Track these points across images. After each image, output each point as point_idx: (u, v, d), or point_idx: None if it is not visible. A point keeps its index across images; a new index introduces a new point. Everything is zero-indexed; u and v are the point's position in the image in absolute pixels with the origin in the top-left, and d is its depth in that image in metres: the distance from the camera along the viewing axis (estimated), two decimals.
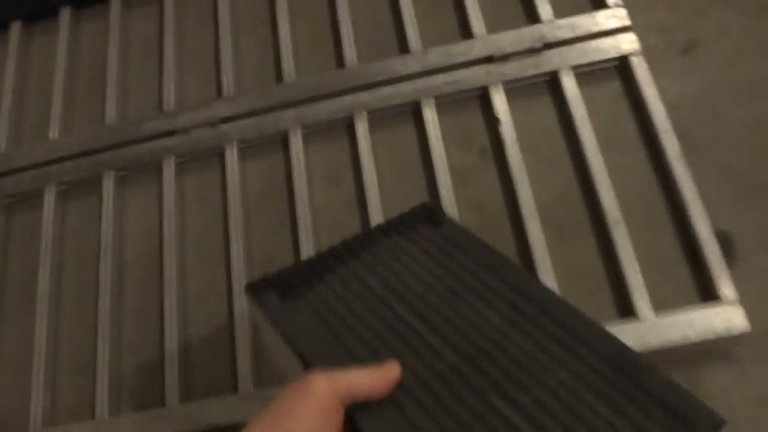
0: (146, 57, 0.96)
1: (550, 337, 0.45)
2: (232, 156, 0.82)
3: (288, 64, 0.87)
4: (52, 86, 0.94)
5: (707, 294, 0.67)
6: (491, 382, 0.43)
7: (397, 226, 0.59)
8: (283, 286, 0.51)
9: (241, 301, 0.74)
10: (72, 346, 0.79)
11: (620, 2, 0.79)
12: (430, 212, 0.60)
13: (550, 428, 0.39)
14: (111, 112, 0.90)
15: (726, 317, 0.63)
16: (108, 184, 0.84)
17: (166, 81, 0.90)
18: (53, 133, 0.90)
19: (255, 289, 0.51)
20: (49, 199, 0.85)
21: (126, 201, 0.86)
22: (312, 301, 0.50)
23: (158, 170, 0.85)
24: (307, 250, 0.75)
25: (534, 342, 0.45)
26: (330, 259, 0.54)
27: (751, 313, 0.63)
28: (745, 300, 0.64)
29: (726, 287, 0.65)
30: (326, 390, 0.37)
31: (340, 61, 0.87)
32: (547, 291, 0.49)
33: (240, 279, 0.75)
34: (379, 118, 0.82)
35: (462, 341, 0.46)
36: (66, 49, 0.97)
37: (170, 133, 0.86)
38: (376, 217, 0.75)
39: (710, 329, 0.63)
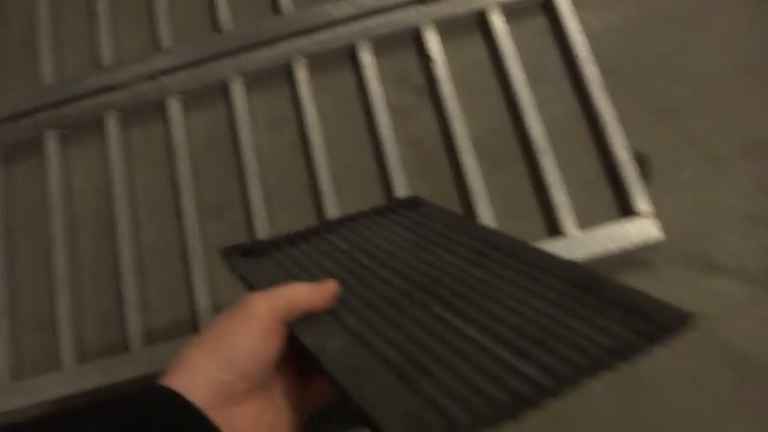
0: (78, 12, 0.95)
1: (508, 268, 0.45)
2: (174, 108, 0.83)
3: (224, 13, 0.87)
4: None
5: (626, 210, 0.73)
6: (438, 298, 0.42)
7: (378, 210, 0.60)
8: (255, 249, 0.53)
9: (196, 248, 0.77)
10: (31, 304, 0.81)
11: None
12: (413, 200, 0.61)
13: (496, 328, 0.38)
14: (47, 70, 0.89)
15: (642, 229, 0.70)
16: (50, 144, 0.85)
17: (101, 36, 0.90)
18: None
19: (227, 251, 0.52)
20: None
21: (71, 159, 0.87)
22: (278, 258, 0.52)
23: (101, 127, 0.85)
24: (256, 195, 0.78)
25: (490, 272, 0.45)
26: (306, 233, 0.55)
27: (665, 225, 0.70)
28: (660, 213, 0.71)
29: (642, 202, 0.71)
30: (265, 310, 0.37)
31: (275, 7, 0.88)
32: (515, 240, 0.49)
33: (193, 228, 0.78)
34: (317, 62, 0.84)
35: (416, 274, 0.46)
36: None
37: (110, 88, 0.86)
38: (321, 159, 0.78)
39: (628, 240, 0.69)
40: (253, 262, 0.51)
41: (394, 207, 0.60)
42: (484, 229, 0.52)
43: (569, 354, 0.35)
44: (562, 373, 0.34)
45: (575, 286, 0.40)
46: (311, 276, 0.48)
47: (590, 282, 0.40)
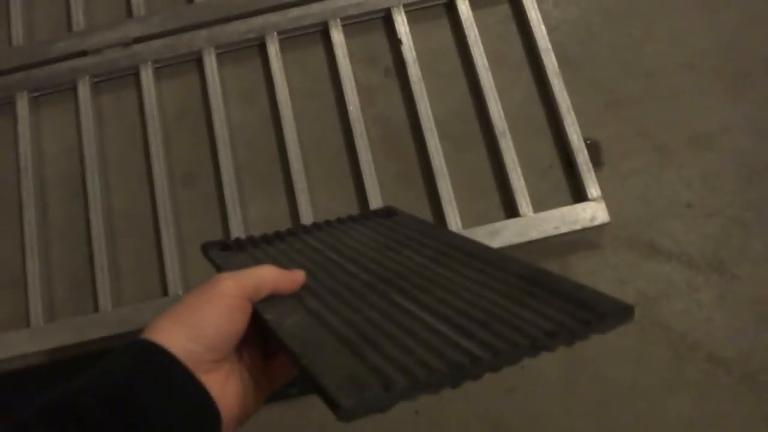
0: None
1: (467, 266, 0.48)
2: (147, 76, 0.85)
3: None
4: None
5: (578, 194, 0.78)
6: (397, 289, 0.45)
7: (354, 217, 0.63)
8: (232, 245, 0.55)
9: (166, 215, 0.79)
10: (1, 263, 0.83)
11: None
12: (388, 210, 0.65)
13: (445, 312, 0.41)
14: (17, 32, 0.90)
15: (591, 212, 0.75)
16: (22, 105, 0.85)
17: (73, 0, 0.90)
18: None
19: (206, 245, 0.55)
20: None
21: (42, 121, 0.88)
22: (254, 253, 0.54)
23: (73, 90, 0.86)
24: (226, 165, 0.80)
25: (450, 269, 0.48)
26: (283, 234, 0.58)
27: (613, 210, 0.75)
28: (609, 199, 0.76)
29: (593, 187, 0.76)
30: (232, 288, 0.39)
31: None
32: (478, 243, 0.52)
33: (163, 194, 0.80)
34: (289, 38, 0.87)
35: (380, 269, 0.49)
36: None
37: (83, 53, 0.87)
38: (290, 132, 0.81)
39: (577, 221, 0.74)
40: (230, 255, 0.54)
41: (369, 215, 0.64)
42: (451, 234, 0.56)
43: (510, 334, 0.37)
44: (499, 349, 0.36)
45: (526, 281, 0.44)
46: (283, 268, 0.50)
47: (540, 277, 0.43)
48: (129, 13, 0.90)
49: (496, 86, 0.80)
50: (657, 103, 0.82)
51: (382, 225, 0.60)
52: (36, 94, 0.88)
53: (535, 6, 0.83)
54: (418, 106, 0.81)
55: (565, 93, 0.79)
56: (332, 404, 0.32)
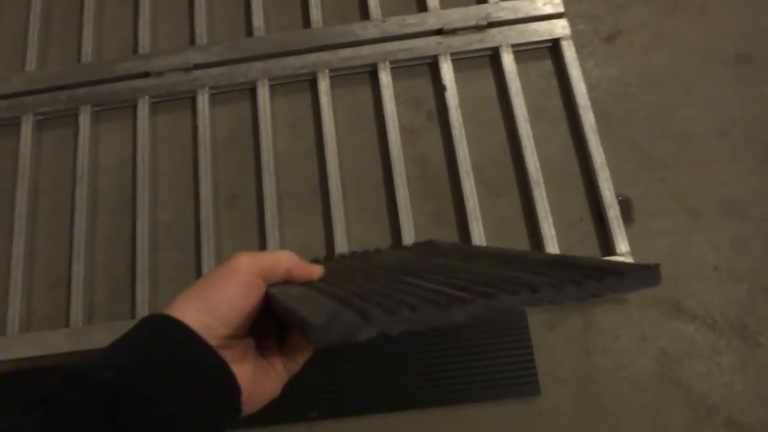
0: (122, 0, 1.01)
1: (490, 261, 0.46)
2: (203, 101, 0.90)
3: (258, 20, 0.94)
4: (28, 20, 0.99)
5: (606, 247, 0.80)
6: (411, 273, 0.44)
7: (395, 245, 0.66)
8: None
9: (208, 232, 0.83)
10: (47, 263, 0.87)
11: None
12: (429, 241, 0.66)
13: (448, 281, 0.39)
14: (87, 50, 0.96)
15: None
16: (84, 118, 0.91)
17: (141, 25, 0.96)
18: (29, 65, 0.95)
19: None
20: (26, 127, 0.91)
21: (101, 134, 0.93)
22: None
23: (133, 108, 0.92)
24: (269, 191, 0.84)
25: (472, 263, 0.46)
26: (321, 259, 0.59)
27: None
28: (637, 256, 0.78)
29: (622, 243, 0.78)
30: (248, 265, 0.40)
31: (306, 21, 0.95)
32: (516, 251, 0.50)
33: (207, 212, 0.84)
34: (339, 76, 0.91)
35: (400, 266, 0.49)
36: None
37: (145, 74, 0.92)
38: (332, 163, 0.84)
39: None
40: None
41: (409, 245, 0.66)
42: (488, 247, 0.57)
43: (509, 287, 0.35)
44: (490, 293, 0.34)
45: (548, 262, 0.42)
46: None
47: (567, 259, 0.41)
48: (192, 41, 0.95)
49: (533, 137, 0.84)
50: (689, 166, 0.84)
51: (418, 249, 0.61)
52: (98, 108, 0.93)
53: (577, 64, 0.86)
54: (456, 150, 0.84)
55: (600, 149, 0.82)
56: (305, 326, 0.32)
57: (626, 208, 0.82)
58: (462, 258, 0.50)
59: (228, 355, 0.37)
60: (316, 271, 0.45)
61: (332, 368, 0.78)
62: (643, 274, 0.35)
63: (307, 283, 0.44)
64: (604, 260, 0.40)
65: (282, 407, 0.77)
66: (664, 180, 0.83)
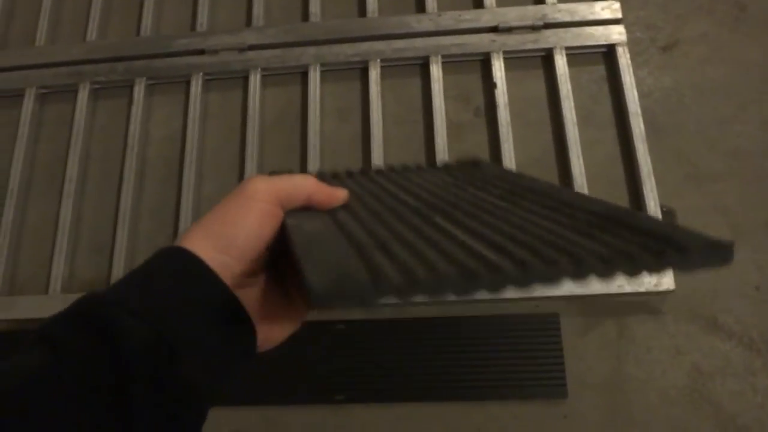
0: None
1: (535, 203, 0.41)
2: (255, 81, 0.91)
3: (315, 6, 0.95)
4: None
5: None
6: (442, 213, 0.39)
7: (435, 165, 0.58)
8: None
9: None
10: (92, 228, 0.89)
11: None
12: (475, 160, 0.59)
13: (483, 232, 0.35)
14: (146, 24, 0.98)
15: (657, 277, 0.75)
16: (139, 90, 0.93)
17: (200, 3, 0.98)
18: (90, 35, 0.98)
19: (273, 172, 0.50)
20: (83, 95, 0.94)
21: (153, 107, 0.95)
22: None
23: (186, 83, 0.94)
24: (313, 172, 0.85)
25: (514, 204, 0.41)
26: (355, 172, 0.54)
27: (678, 278, 0.75)
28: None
29: None
30: (263, 192, 0.36)
31: (362, 10, 0.96)
32: (562, 188, 0.44)
33: None
34: (390, 67, 0.92)
35: (434, 199, 0.43)
36: None
37: (200, 52, 0.94)
38: (377, 151, 0.85)
39: (642, 284, 0.75)
40: None
41: (452, 163, 0.58)
42: (535, 180, 0.47)
43: (550, 254, 0.31)
44: (530, 263, 0.29)
45: (602, 218, 0.36)
46: None
47: (623, 215, 0.35)
48: (249, 22, 0.97)
49: (580, 141, 0.83)
50: (738, 182, 0.82)
51: (460, 170, 0.54)
52: (152, 82, 0.95)
53: (631, 71, 0.85)
54: (502, 148, 0.84)
55: (648, 158, 0.81)
56: (307, 290, 0.28)
57: (670, 219, 0.81)
58: (507, 192, 0.44)
59: (243, 294, 0.35)
60: (341, 195, 0.41)
61: (361, 353, 0.79)
62: (712, 254, 0.30)
63: (331, 211, 0.40)
64: (665, 224, 0.33)
65: (310, 387, 0.79)
66: (710, 194, 0.82)
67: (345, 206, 0.41)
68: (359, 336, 0.80)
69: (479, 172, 0.53)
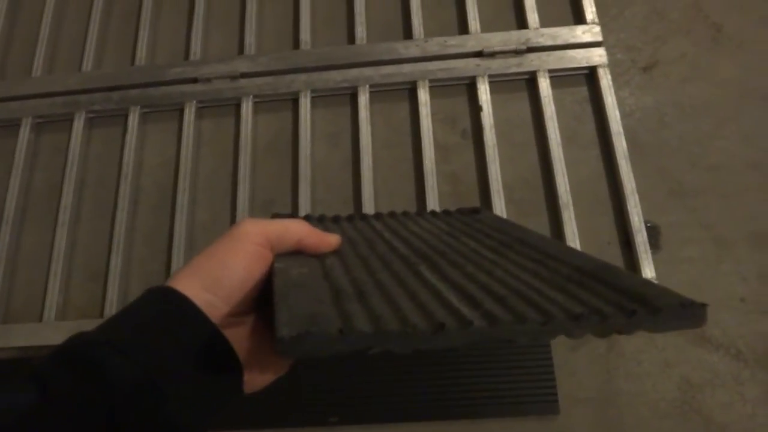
0: (177, 9, 1.06)
1: (522, 255, 0.41)
2: (247, 108, 0.93)
3: (305, 35, 0.98)
4: (88, 23, 1.04)
5: (632, 272, 0.81)
6: (430, 263, 0.40)
7: (435, 212, 0.60)
8: (302, 218, 0.52)
9: None
10: (86, 256, 0.90)
11: (596, 20, 0.92)
12: (475, 209, 0.61)
13: (463, 284, 0.35)
14: (141, 54, 1.00)
15: None
16: (133, 118, 0.95)
17: (194, 33, 1.00)
18: (86, 66, 1.00)
19: (276, 215, 0.52)
20: (78, 124, 0.95)
21: (147, 135, 0.97)
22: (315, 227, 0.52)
23: (180, 111, 0.96)
24: (304, 197, 0.87)
25: (501, 256, 0.42)
26: (354, 216, 0.56)
27: None
28: (663, 282, 0.78)
29: (648, 268, 0.79)
30: (254, 234, 0.37)
31: (351, 38, 0.98)
32: (553, 241, 0.46)
33: (243, 214, 0.87)
34: (379, 92, 0.94)
35: (425, 247, 0.44)
36: None
37: (194, 80, 0.96)
38: (367, 174, 0.87)
39: None
40: None
41: (452, 212, 0.61)
42: (529, 231, 0.49)
43: (523, 309, 0.31)
44: (497, 316, 0.30)
45: (582, 273, 0.36)
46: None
47: (602, 271, 0.36)
48: (241, 50, 0.99)
49: (565, 161, 0.85)
50: (720, 197, 0.84)
51: (457, 219, 0.56)
52: (147, 110, 0.97)
53: (612, 92, 0.88)
54: (489, 169, 0.86)
55: (631, 175, 0.83)
56: (273, 337, 0.28)
57: (654, 234, 0.83)
58: (497, 243, 0.45)
59: (230, 334, 0.34)
60: (332, 241, 0.42)
61: (355, 374, 0.80)
62: (685, 314, 0.30)
63: (321, 256, 0.40)
64: (643, 282, 0.34)
65: (303, 409, 0.79)
66: (693, 209, 0.84)
67: (337, 251, 0.41)
68: (352, 356, 0.80)
69: (476, 221, 0.55)
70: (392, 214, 0.57)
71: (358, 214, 0.56)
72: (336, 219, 0.56)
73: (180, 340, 0.32)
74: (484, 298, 0.33)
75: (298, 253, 0.39)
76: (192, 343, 0.32)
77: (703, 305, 0.30)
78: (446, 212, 0.60)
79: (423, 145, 0.88)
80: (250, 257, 0.36)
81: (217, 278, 0.35)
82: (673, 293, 0.32)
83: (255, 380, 0.36)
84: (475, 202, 0.87)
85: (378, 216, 0.56)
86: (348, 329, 0.28)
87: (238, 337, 0.35)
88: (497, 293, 0.33)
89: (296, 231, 0.39)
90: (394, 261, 0.40)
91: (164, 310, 0.33)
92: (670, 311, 0.30)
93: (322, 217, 0.56)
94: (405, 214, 0.58)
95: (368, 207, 0.85)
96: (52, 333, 0.83)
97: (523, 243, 0.44)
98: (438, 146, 0.90)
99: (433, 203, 0.84)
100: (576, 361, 0.78)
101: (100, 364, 0.30)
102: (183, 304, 0.33)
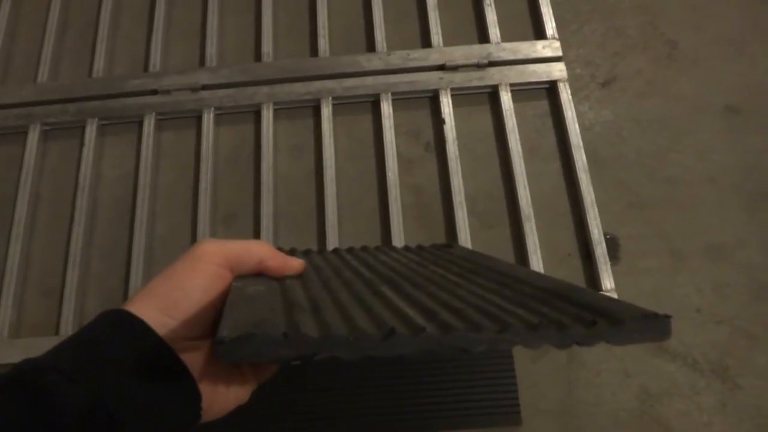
0: (137, 20, 1.05)
1: (489, 279, 0.41)
2: (208, 120, 0.92)
3: (267, 47, 0.97)
4: (44, 34, 1.02)
5: (592, 283, 0.82)
6: (392, 284, 0.39)
7: (408, 246, 0.60)
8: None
9: None
10: (41, 271, 0.88)
11: (556, 36, 0.94)
12: (447, 244, 0.62)
13: (421, 300, 0.34)
14: (99, 65, 0.98)
15: None
16: (91, 130, 0.93)
17: (153, 44, 0.99)
18: (42, 77, 0.98)
19: None
20: (33, 136, 0.93)
21: (105, 147, 0.95)
22: None
23: (139, 124, 0.94)
24: (266, 211, 0.86)
25: (467, 280, 0.41)
26: (326, 250, 0.56)
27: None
28: (621, 293, 0.80)
29: (607, 279, 0.80)
30: (213, 254, 0.36)
31: (314, 50, 0.98)
32: (522, 268, 0.45)
33: (204, 228, 0.85)
34: (342, 104, 0.94)
35: (390, 273, 0.43)
36: (60, 2, 1.04)
37: (153, 92, 0.95)
38: (330, 187, 0.86)
39: None
40: None
41: (425, 246, 0.60)
42: (500, 261, 0.48)
43: (478, 319, 0.30)
44: (451, 324, 0.29)
45: (546, 292, 0.36)
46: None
47: (567, 291, 0.36)
48: (202, 62, 0.98)
49: (526, 173, 0.86)
50: (677, 210, 0.86)
51: (429, 252, 0.56)
52: (104, 122, 0.95)
53: (572, 106, 0.89)
54: (451, 181, 0.86)
55: (590, 188, 0.84)
56: (214, 340, 0.27)
57: (613, 246, 0.84)
58: (465, 270, 0.45)
59: (187, 358, 0.33)
60: (295, 264, 0.41)
61: (308, 393, 0.78)
62: (648, 326, 0.29)
63: (282, 279, 0.39)
64: (607, 299, 0.33)
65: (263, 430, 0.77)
66: (651, 222, 0.86)
67: (299, 275, 0.40)
68: (300, 369, 0.79)
69: (447, 254, 0.54)
70: (364, 248, 0.57)
71: (332, 249, 0.56)
72: (307, 252, 0.55)
73: (133, 363, 0.31)
74: (440, 310, 0.32)
75: (259, 275, 0.38)
76: (146, 366, 0.31)
77: (667, 317, 0.30)
78: (420, 247, 0.61)
79: (386, 157, 0.88)
80: (208, 278, 0.35)
81: (174, 300, 0.34)
82: (636, 307, 0.31)
83: (214, 407, 0.35)
84: (438, 213, 0.87)
85: (350, 249, 0.56)
86: (294, 333, 0.27)
87: (196, 360, 0.34)
88: (455, 307, 0.33)
89: (257, 252, 0.38)
90: (356, 283, 0.40)
91: (116, 333, 0.32)
92: (633, 323, 0.29)
93: (292, 250, 0.55)
94: (377, 248, 0.57)
95: (330, 219, 0.84)
96: (5, 351, 0.81)
97: (491, 269, 0.44)
98: (401, 158, 0.90)
99: (396, 215, 0.84)
100: (537, 372, 0.79)
101: (48, 392, 0.29)
102: (136, 326, 0.32)
